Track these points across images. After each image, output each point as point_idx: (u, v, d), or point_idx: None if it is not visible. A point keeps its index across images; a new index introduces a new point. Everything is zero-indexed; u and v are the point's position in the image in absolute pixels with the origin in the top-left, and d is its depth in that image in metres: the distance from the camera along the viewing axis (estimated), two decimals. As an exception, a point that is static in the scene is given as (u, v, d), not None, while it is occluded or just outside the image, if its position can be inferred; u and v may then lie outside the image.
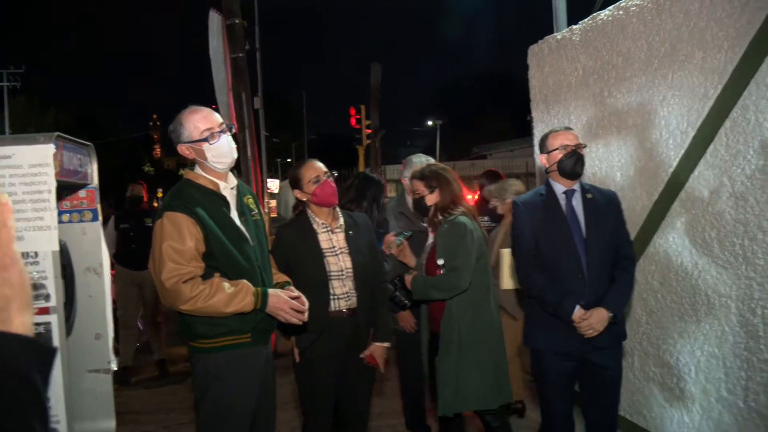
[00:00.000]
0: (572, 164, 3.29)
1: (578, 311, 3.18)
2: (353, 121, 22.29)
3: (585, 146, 3.37)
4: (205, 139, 2.87)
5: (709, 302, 3.69)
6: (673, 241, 3.92)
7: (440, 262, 3.49)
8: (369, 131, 21.40)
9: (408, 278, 3.54)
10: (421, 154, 4.57)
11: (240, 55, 7.91)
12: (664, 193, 3.95)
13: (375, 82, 20.16)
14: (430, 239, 3.66)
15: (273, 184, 27.57)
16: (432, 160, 4.47)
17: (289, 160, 44.03)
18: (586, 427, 3.42)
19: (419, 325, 3.97)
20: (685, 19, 3.73)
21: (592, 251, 3.25)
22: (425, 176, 3.64)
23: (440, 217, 3.59)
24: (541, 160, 3.45)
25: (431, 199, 3.60)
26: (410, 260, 3.78)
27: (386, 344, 3.61)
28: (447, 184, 3.60)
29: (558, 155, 3.30)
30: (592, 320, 3.16)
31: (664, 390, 4.09)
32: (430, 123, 38.15)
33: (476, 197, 6.17)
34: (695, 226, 3.75)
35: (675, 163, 3.85)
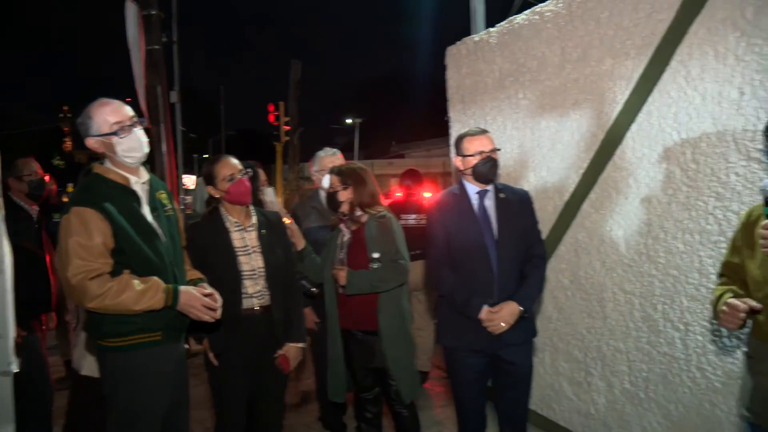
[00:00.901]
0: (487, 170, 3.35)
1: (485, 310, 3.24)
2: (272, 118, 22.00)
3: (499, 150, 3.44)
4: (115, 133, 2.78)
5: (615, 299, 3.85)
6: (583, 240, 4.07)
7: (375, 255, 3.52)
8: (287, 128, 21.20)
9: (341, 274, 3.53)
10: (328, 148, 4.57)
11: (156, 47, 7.69)
12: (575, 194, 4.09)
13: (294, 79, 20.03)
14: (347, 235, 3.67)
15: (189, 180, 26.91)
16: (338, 153, 4.51)
17: (206, 155, 43.02)
18: (499, 422, 3.50)
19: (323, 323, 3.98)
20: (596, 27, 3.88)
21: (503, 250, 3.31)
22: (342, 173, 3.67)
23: (360, 214, 3.62)
24: (455, 162, 3.50)
25: (344, 195, 3.63)
26: (300, 243, 3.82)
27: (300, 345, 3.59)
28: (362, 183, 3.64)
29: (473, 161, 3.35)
30: (503, 313, 3.23)
31: (573, 384, 4.24)
32: (349, 121, 38.12)
33: (400, 196, 6.21)
34: (603, 226, 3.91)
35: (585, 165, 4.00)
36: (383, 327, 3.52)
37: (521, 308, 3.25)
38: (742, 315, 2.27)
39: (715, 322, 3.24)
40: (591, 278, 4.02)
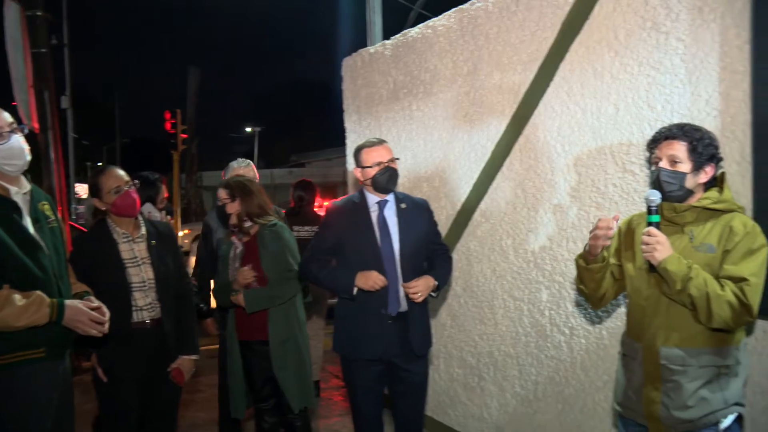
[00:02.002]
0: (386, 180, 3.38)
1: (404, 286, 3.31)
2: (168, 126, 21.43)
3: (398, 159, 3.48)
4: None
5: (506, 306, 3.98)
6: (474, 248, 4.19)
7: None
8: (185, 136, 20.71)
9: (239, 298, 3.54)
10: (241, 159, 4.55)
11: (43, 50, 7.34)
12: (466, 204, 4.21)
13: (193, 86, 19.63)
14: (239, 247, 3.67)
15: (82, 189, 25.73)
16: (251, 164, 4.48)
17: (100, 164, 41.33)
18: (395, 429, 3.54)
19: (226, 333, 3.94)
20: (485, 42, 4.01)
21: (405, 261, 3.34)
22: (229, 185, 3.71)
23: (250, 225, 3.63)
24: (355, 173, 3.52)
25: (231, 207, 3.65)
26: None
27: (194, 357, 3.52)
28: (249, 195, 3.65)
29: (372, 172, 3.37)
30: (420, 284, 3.28)
31: (467, 389, 4.34)
32: (248, 129, 37.62)
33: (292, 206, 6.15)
34: (494, 234, 4.03)
35: (476, 176, 4.12)
36: (272, 336, 3.59)
37: (436, 282, 3.35)
38: (611, 225, 2.46)
39: (600, 317, 3.41)
40: (482, 286, 4.14)
